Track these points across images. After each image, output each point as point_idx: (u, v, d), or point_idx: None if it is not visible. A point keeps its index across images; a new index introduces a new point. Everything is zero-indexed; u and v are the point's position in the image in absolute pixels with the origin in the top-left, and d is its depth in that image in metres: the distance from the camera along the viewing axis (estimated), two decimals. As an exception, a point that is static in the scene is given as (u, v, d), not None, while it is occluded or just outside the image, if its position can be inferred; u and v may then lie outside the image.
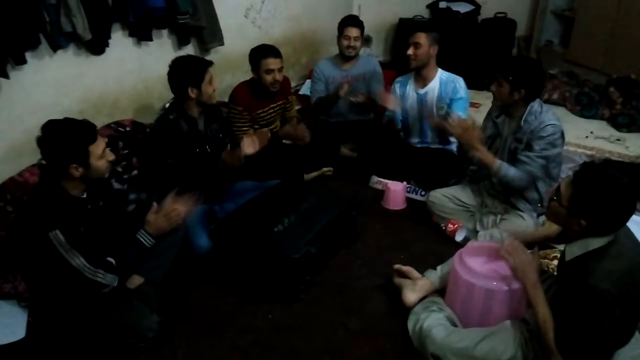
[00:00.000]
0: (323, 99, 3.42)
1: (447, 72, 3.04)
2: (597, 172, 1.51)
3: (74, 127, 1.80)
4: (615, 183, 1.46)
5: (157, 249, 2.17)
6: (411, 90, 3.10)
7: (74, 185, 1.85)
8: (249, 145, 2.46)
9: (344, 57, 3.40)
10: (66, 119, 1.83)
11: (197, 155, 2.46)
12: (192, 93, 2.36)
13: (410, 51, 2.93)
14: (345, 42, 3.33)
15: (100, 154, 1.84)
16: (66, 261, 1.77)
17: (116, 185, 2.30)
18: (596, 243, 1.52)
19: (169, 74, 2.40)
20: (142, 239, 1.99)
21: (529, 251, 2.03)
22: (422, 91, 3.05)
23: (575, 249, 1.57)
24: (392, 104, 3.07)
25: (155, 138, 2.49)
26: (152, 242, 2.01)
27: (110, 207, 2.04)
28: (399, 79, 3.21)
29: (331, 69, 3.45)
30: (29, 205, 1.87)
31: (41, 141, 1.77)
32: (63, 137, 1.76)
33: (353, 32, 3.31)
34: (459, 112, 2.89)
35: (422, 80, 3.05)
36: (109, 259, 1.89)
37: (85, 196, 1.91)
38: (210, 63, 2.42)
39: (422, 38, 2.89)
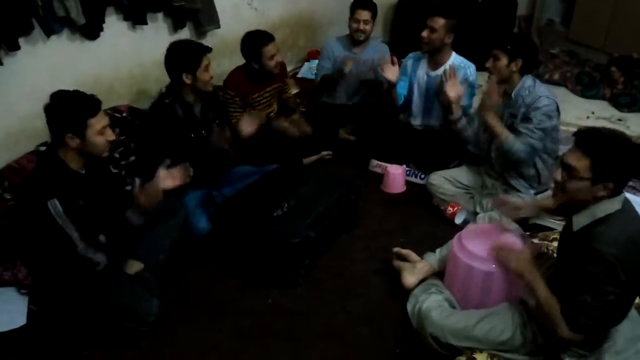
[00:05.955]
0: (328, 77, 3.35)
1: (461, 57, 2.95)
2: (604, 134, 1.56)
3: (78, 98, 1.83)
4: (624, 138, 1.54)
5: (155, 234, 2.18)
6: (422, 71, 3.02)
7: (72, 158, 1.86)
8: (247, 125, 2.44)
9: (354, 40, 3.32)
10: (76, 91, 1.85)
11: (192, 140, 2.45)
12: (186, 79, 2.34)
13: (424, 34, 2.82)
14: (354, 25, 3.23)
15: (99, 130, 1.84)
16: (63, 232, 1.77)
17: (113, 170, 2.28)
18: (602, 211, 1.52)
19: (165, 58, 2.37)
20: (130, 217, 1.94)
21: (524, 234, 2.05)
22: (433, 74, 2.97)
23: (582, 219, 1.55)
24: (392, 73, 2.91)
25: (150, 122, 2.47)
26: (139, 220, 1.94)
27: (108, 187, 2.04)
28: (412, 54, 3.09)
29: (341, 49, 3.37)
30: (30, 176, 1.90)
31: (47, 108, 1.81)
32: (64, 106, 1.80)
33: (363, 14, 3.20)
34: (464, 99, 2.84)
35: (434, 62, 2.97)
36: (101, 236, 1.88)
37: (84, 172, 1.91)
38: (208, 49, 2.38)
39: (438, 23, 2.78)
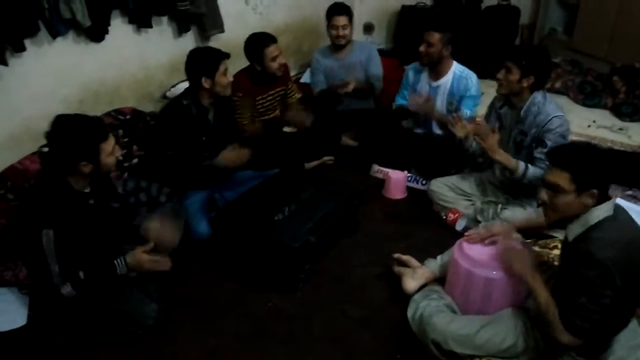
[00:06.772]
0: (325, 92, 3.40)
1: (462, 67, 2.97)
2: (574, 146, 1.68)
3: (86, 124, 1.79)
4: (592, 145, 1.68)
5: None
6: (424, 81, 3.05)
7: (80, 181, 1.85)
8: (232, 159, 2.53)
9: (336, 46, 3.36)
10: (77, 115, 1.81)
11: (204, 143, 2.47)
12: (205, 83, 2.38)
13: (422, 48, 2.87)
14: (333, 32, 3.29)
15: (111, 151, 1.84)
16: (45, 261, 1.76)
17: (119, 189, 2.26)
18: (595, 217, 1.54)
19: (186, 63, 2.42)
20: (117, 265, 1.88)
21: (525, 242, 2.04)
22: (434, 84, 3.00)
23: (576, 228, 1.58)
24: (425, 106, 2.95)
25: (166, 120, 2.49)
26: (124, 272, 1.90)
27: (111, 204, 2.04)
28: (413, 66, 3.13)
29: (326, 59, 3.42)
30: (31, 197, 1.84)
31: (51, 136, 1.76)
32: (75, 135, 1.75)
33: (340, 20, 3.25)
34: (466, 110, 2.87)
35: (435, 73, 2.99)
36: (81, 273, 1.83)
37: (88, 190, 1.91)
38: (227, 55, 2.43)
39: (434, 38, 2.81)
